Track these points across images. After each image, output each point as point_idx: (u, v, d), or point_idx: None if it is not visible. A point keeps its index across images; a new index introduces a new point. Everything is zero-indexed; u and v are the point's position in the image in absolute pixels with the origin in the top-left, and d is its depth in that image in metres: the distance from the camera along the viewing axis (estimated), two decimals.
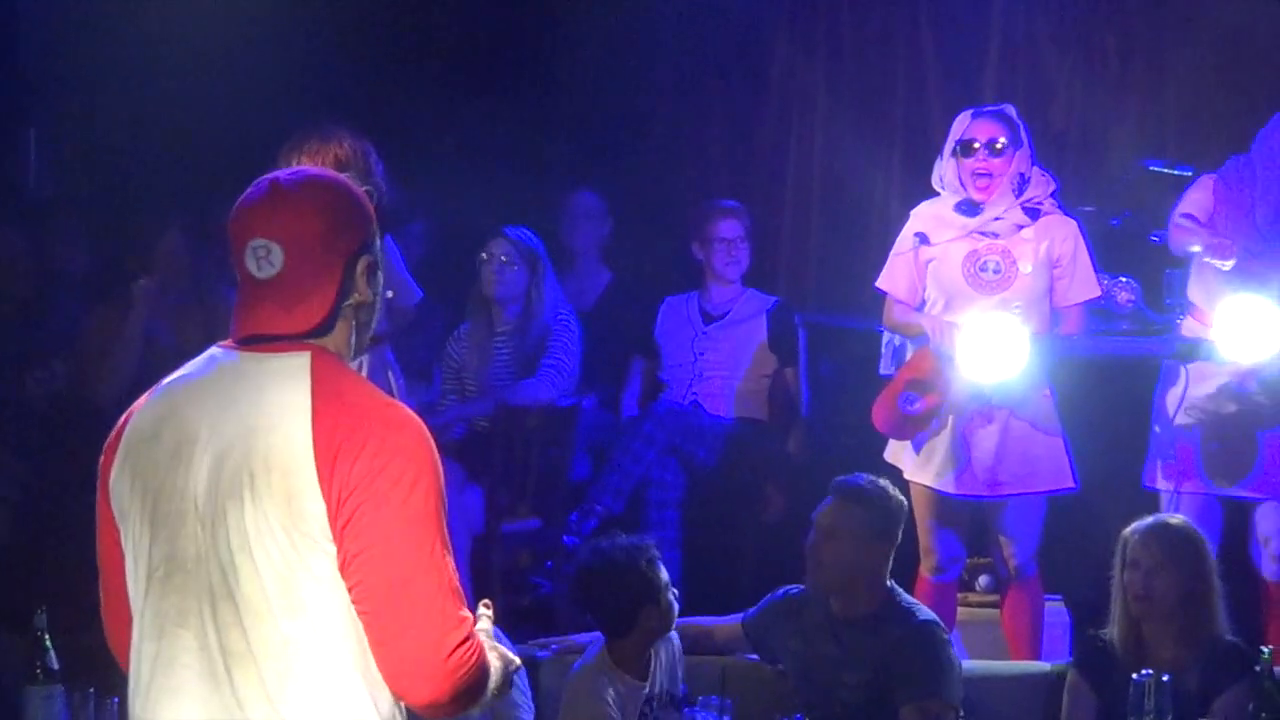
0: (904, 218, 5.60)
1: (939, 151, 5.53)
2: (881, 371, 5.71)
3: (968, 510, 5.52)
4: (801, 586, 4.85)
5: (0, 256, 6.30)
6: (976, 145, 5.38)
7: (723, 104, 7.74)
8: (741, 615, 4.98)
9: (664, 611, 4.58)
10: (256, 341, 2.63)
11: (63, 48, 7.32)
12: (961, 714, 4.65)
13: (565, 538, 6.20)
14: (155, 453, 2.62)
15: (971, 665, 5.10)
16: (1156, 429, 5.59)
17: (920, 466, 5.49)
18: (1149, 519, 4.81)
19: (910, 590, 5.00)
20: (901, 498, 4.79)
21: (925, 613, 4.72)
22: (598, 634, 4.69)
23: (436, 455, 2.59)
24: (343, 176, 2.81)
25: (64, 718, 4.33)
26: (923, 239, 5.48)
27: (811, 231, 7.57)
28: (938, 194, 5.53)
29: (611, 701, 4.52)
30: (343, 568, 2.53)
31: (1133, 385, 5.67)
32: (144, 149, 7.08)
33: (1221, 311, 5.25)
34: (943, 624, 4.77)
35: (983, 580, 6.02)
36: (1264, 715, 4.22)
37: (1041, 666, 5.15)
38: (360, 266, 2.67)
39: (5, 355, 6.14)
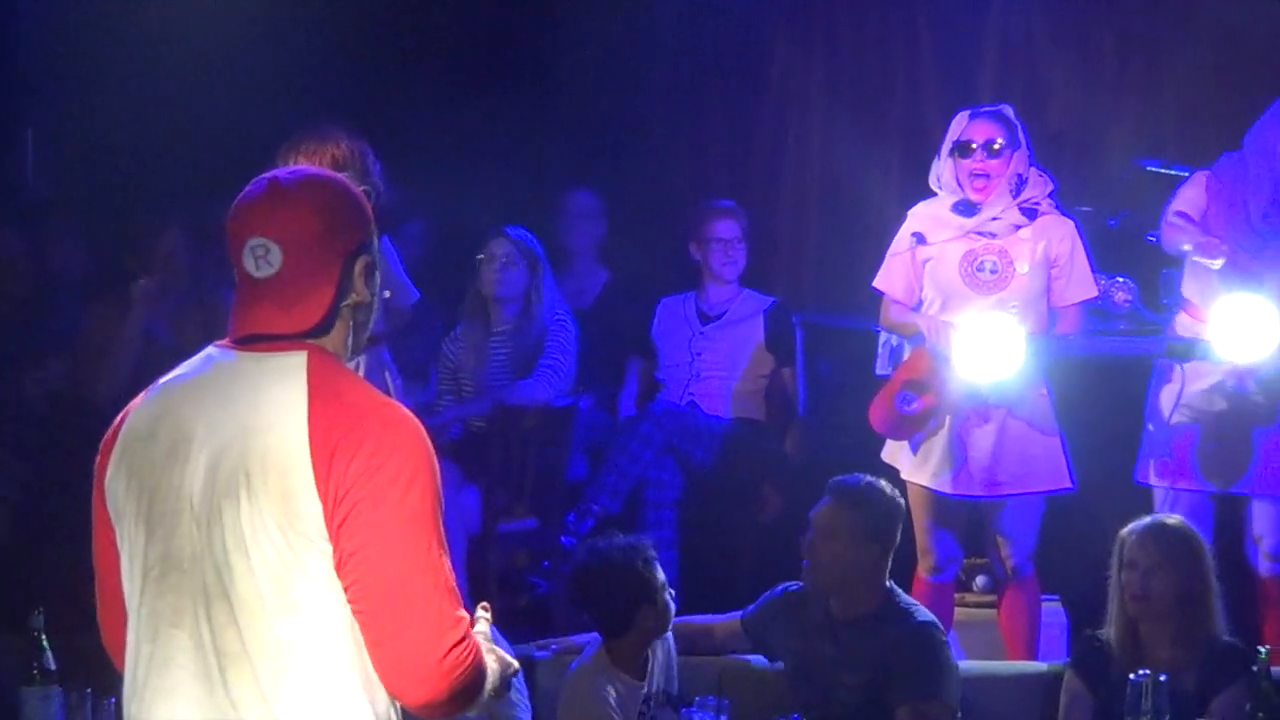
0: (901, 218, 5.59)
1: (936, 152, 5.53)
2: (878, 372, 5.71)
3: (965, 510, 5.52)
4: (801, 584, 4.86)
5: None
6: (974, 146, 5.38)
7: (720, 104, 7.75)
8: (741, 613, 4.98)
9: (661, 612, 4.59)
10: (254, 341, 2.63)
11: (61, 48, 7.32)
12: (959, 715, 4.66)
13: (562, 538, 6.20)
14: (151, 452, 2.62)
15: (969, 665, 5.10)
16: (1150, 427, 5.59)
17: (917, 467, 5.49)
18: (1146, 519, 4.82)
19: (907, 591, 5.00)
20: (899, 499, 4.79)
21: (924, 614, 4.71)
22: (595, 634, 4.70)
23: (433, 455, 2.59)
24: (341, 176, 2.81)
25: (61, 718, 4.35)
26: (920, 239, 5.48)
27: (809, 232, 7.58)
28: (935, 194, 5.53)
29: (612, 702, 4.52)
30: (339, 567, 2.53)
31: (1130, 385, 5.67)
32: (142, 149, 7.07)
33: (1217, 311, 5.26)
34: (941, 625, 4.77)
35: (980, 580, 6.02)
36: (1261, 715, 4.25)
37: (1038, 667, 5.16)
38: (358, 266, 2.66)
39: (3, 355, 6.15)
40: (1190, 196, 5.49)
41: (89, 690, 4.31)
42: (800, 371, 6.74)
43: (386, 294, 3.91)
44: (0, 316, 6.24)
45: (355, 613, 2.54)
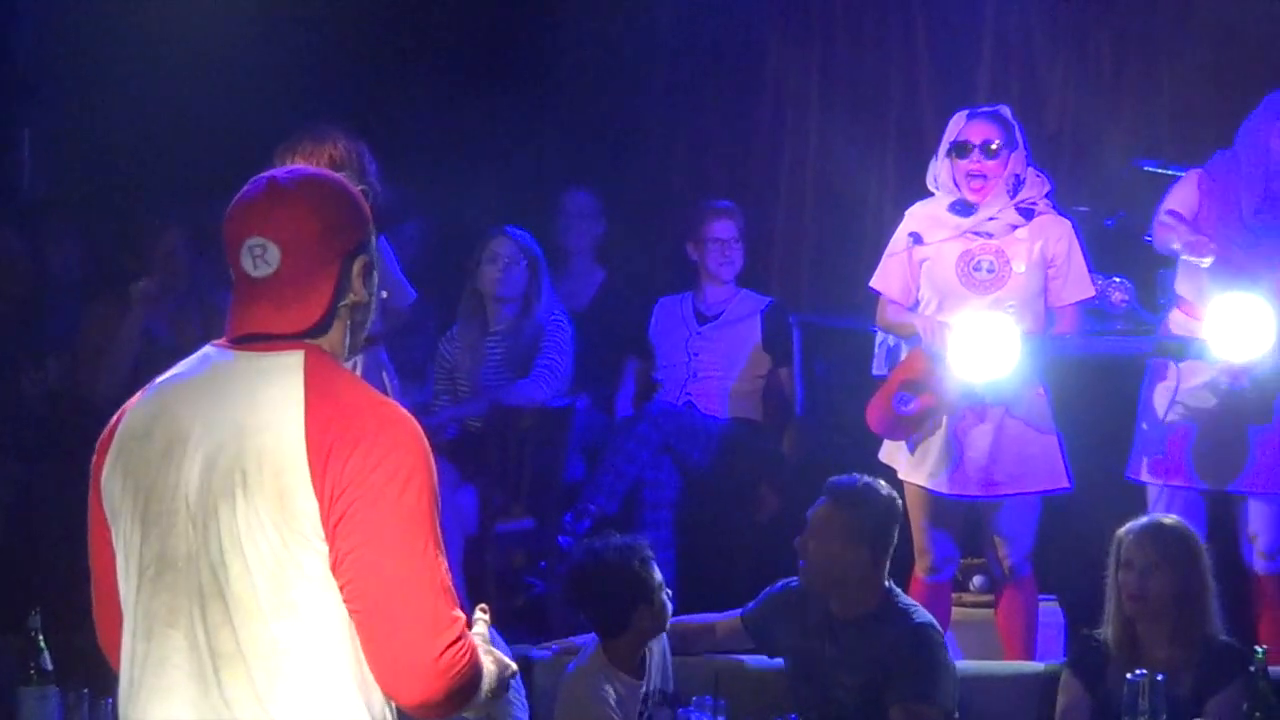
0: (898, 218, 5.60)
1: (933, 152, 5.53)
2: (874, 372, 5.71)
3: (962, 510, 5.53)
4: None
5: None
6: (971, 146, 5.38)
7: (718, 104, 7.75)
8: (741, 610, 4.98)
9: (657, 612, 4.58)
10: (251, 340, 2.63)
11: (58, 48, 7.32)
12: (957, 717, 4.66)
13: (559, 538, 6.20)
14: (147, 451, 2.62)
15: (966, 665, 5.10)
16: (1144, 425, 5.59)
17: (914, 467, 5.49)
18: (1143, 519, 4.83)
19: (905, 590, 5.00)
20: (896, 500, 4.77)
21: (923, 615, 4.70)
22: (592, 635, 4.70)
23: (430, 454, 2.59)
24: (339, 176, 2.80)
25: (58, 718, 4.35)
26: (916, 239, 5.48)
27: (806, 232, 7.59)
28: (932, 194, 5.54)
29: (612, 702, 4.52)
30: (334, 566, 2.53)
31: (1128, 385, 5.67)
32: (141, 149, 7.07)
33: (1213, 310, 5.26)
34: (939, 627, 4.77)
35: (977, 580, 6.02)
36: (1258, 715, 4.25)
37: (1035, 666, 5.16)
38: (356, 266, 2.66)
39: (2, 356, 6.16)
40: (1183, 195, 5.51)
41: (86, 690, 4.30)
42: (797, 371, 6.74)
43: (384, 294, 3.91)
44: None
45: (351, 612, 2.54)
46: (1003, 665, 5.33)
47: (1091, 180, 6.66)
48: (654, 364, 6.86)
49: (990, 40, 7.25)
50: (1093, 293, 5.51)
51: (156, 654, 2.59)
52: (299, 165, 3.71)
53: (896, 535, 4.75)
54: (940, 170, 5.48)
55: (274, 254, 2.60)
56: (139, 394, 2.71)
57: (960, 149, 5.40)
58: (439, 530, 2.58)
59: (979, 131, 5.38)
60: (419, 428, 2.60)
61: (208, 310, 5.75)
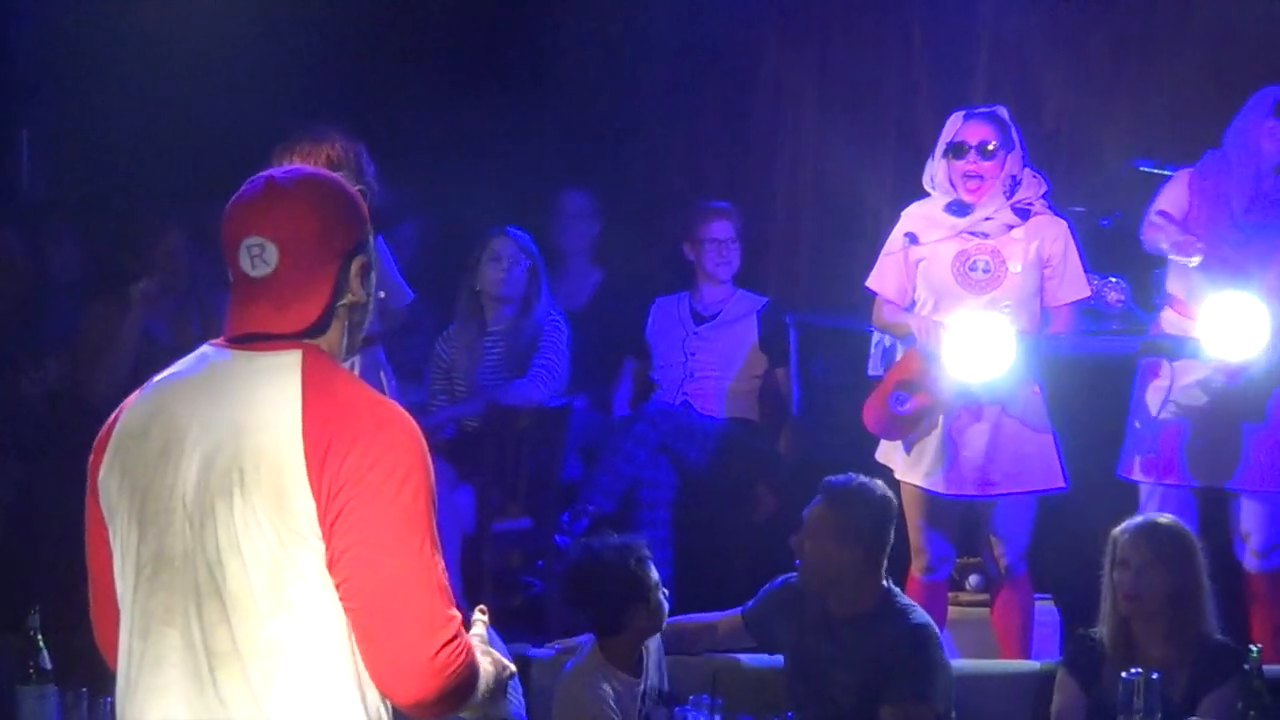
0: (895, 218, 5.60)
1: (930, 152, 5.54)
2: (870, 372, 5.72)
3: (958, 510, 5.53)
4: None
5: None
6: (968, 147, 5.38)
7: (715, 105, 7.76)
8: (741, 608, 4.99)
9: (653, 611, 4.59)
10: (249, 340, 2.63)
11: (57, 49, 7.32)
12: (954, 717, 4.66)
13: (557, 537, 6.21)
14: (144, 451, 2.62)
15: (962, 664, 5.12)
16: (1137, 424, 5.59)
17: (910, 466, 5.50)
18: (1139, 518, 4.84)
19: (902, 590, 5.01)
20: (890, 500, 4.77)
21: (920, 615, 4.71)
22: (590, 634, 4.71)
23: (427, 453, 2.59)
24: (337, 176, 2.80)
25: (57, 717, 4.35)
26: (912, 239, 5.49)
27: (802, 232, 7.60)
28: (928, 195, 5.54)
29: (611, 701, 4.52)
30: (331, 564, 2.52)
31: (1123, 384, 5.67)
32: (140, 149, 7.06)
33: (1206, 309, 5.27)
34: (936, 628, 4.77)
35: (973, 579, 6.01)
36: (1252, 713, 4.25)
37: (1031, 665, 5.18)
38: (355, 266, 2.66)
39: (1, 356, 6.15)
40: (1173, 196, 5.52)
41: (85, 689, 4.31)
42: (794, 371, 6.74)
43: (381, 294, 3.93)
44: None
45: (347, 610, 2.54)
46: (998, 664, 5.34)
47: (1088, 180, 6.66)
48: (651, 364, 6.88)
49: (987, 41, 7.26)
50: (1089, 293, 5.52)
51: (153, 653, 2.59)
52: (297, 165, 3.72)
53: (892, 535, 4.75)
54: (937, 171, 5.48)
55: (272, 254, 2.60)
56: (137, 393, 2.71)
57: (957, 150, 5.41)
58: (436, 529, 2.57)
59: (976, 132, 5.39)
60: (417, 427, 2.60)
61: (207, 311, 5.75)
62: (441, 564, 2.57)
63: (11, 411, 6.08)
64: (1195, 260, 5.36)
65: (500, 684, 2.75)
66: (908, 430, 5.47)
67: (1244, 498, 5.51)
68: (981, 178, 5.38)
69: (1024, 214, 5.43)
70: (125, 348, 5.95)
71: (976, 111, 5.48)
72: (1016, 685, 5.02)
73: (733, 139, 7.71)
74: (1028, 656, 5.47)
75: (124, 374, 5.77)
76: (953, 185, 5.43)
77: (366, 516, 2.51)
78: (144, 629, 2.60)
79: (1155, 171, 5.84)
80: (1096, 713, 4.53)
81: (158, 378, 2.70)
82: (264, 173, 2.70)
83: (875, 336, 5.72)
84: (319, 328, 2.63)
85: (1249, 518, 5.51)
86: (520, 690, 4.67)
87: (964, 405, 5.40)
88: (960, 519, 5.58)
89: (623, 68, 7.70)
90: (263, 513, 2.52)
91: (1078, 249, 5.47)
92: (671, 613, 4.77)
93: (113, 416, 2.70)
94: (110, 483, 2.65)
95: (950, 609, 5.75)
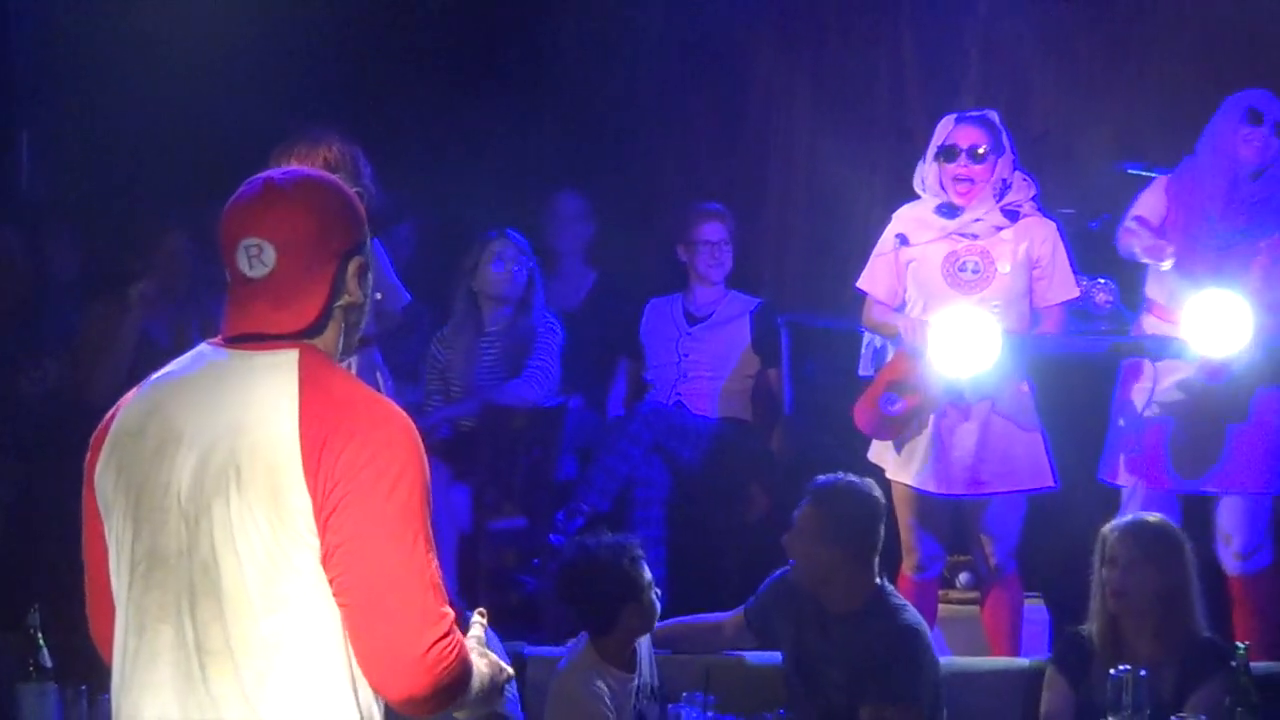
0: (886, 220, 5.63)
1: (921, 154, 5.57)
2: (860, 373, 5.74)
3: (948, 509, 5.56)
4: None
5: None
6: (959, 151, 5.42)
7: (708, 107, 7.76)
8: (743, 606, 5.01)
9: (646, 610, 4.61)
10: (246, 340, 2.64)
11: (57, 49, 7.32)
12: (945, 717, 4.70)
13: (551, 536, 6.21)
14: (140, 448, 2.63)
15: (952, 661, 5.16)
16: (1121, 421, 5.60)
17: (901, 466, 5.53)
18: (1129, 517, 4.88)
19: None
20: (876, 499, 4.77)
21: (909, 616, 4.71)
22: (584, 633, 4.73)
23: (423, 451, 2.59)
24: (335, 177, 2.80)
25: (57, 714, 4.38)
26: (903, 240, 5.52)
27: (795, 233, 7.59)
28: (919, 196, 5.57)
29: (606, 698, 4.54)
30: (325, 560, 2.53)
31: (1111, 385, 5.70)
32: (139, 150, 7.07)
33: (1190, 306, 5.28)
34: (926, 629, 4.77)
35: (963, 577, 6.04)
36: (1239, 710, 4.26)
37: (1021, 662, 5.21)
38: (352, 267, 2.67)
39: (1, 355, 6.17)
40: (1151, 202, 5.54)
41: (84, 687, 4.34)
42: (786, 372, 6.75)
43: (378, 296, 3.96)
44: None
45: (340, 605, 2.54)
46: (988, 661, 5.37)
47: (1077, 182, 6.65)
48: (645, 364, 6.89)
49: (977, 43, 7.25)
50: (1077, 293, 5.54)
51: (148, 650, 2.60)
52: (295, 167, 3.73)
53: (881, 534, 4.76)
54: (928, 173, 5.52)
55: (270, 254, 2.61)
56: (133, 391, 2.72)
57: (948, 153, 5.44)
58: (430, 527, 2.58)
59: (967, 136, 5.42)
60: (412, 425, 2.61)
61: (206, 315, 5.76)
62: (435, 561, 2.57)
63: (11, 411, 6.08)
64: (1167, 264, 5.39)
65: (496, 686, 2.75)
66: (898, 430, 5.50)
67: (1225, 499, 5.52)
68: (972, 181, 5.41)
69: (1013, 216, 5.46)
70: (123, 349, 5.95)
71: (968, 115, 5.52)
72: (1006, 682, 5.05)
73: (726, 141, 7.71)
74: (1017, 654, 5.50)
75: (122, 375, 5.76)
76: (943, 188, 5.46)
77: (361, 512, 2.51)
78: (139, 626, 2.61)
79: (1143, 174, 5.85)
80: (1085, 709, 4.55)
81: (154, 376, 2.71)
82: (262, 174, 2.70)
83: (866, 337, 5.75)
84: (316, 328, 2.64)
85: (1230, 519, 5.52)
86: (514, 687, 4.68)
87: (953, 404, 5.42)
88: (951, 518, 5.60)
89: (617, 70, 7.70)
90: (258, 510, 2.52)
91: (1067, 250, 5.49)
92: (664, 612, 4.79)
93: (109, 414, 2.72)
94: (106, 480, 2.66)
95: (941, 607, 5.79)
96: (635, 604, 4.58)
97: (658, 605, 4.66)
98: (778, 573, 4.93)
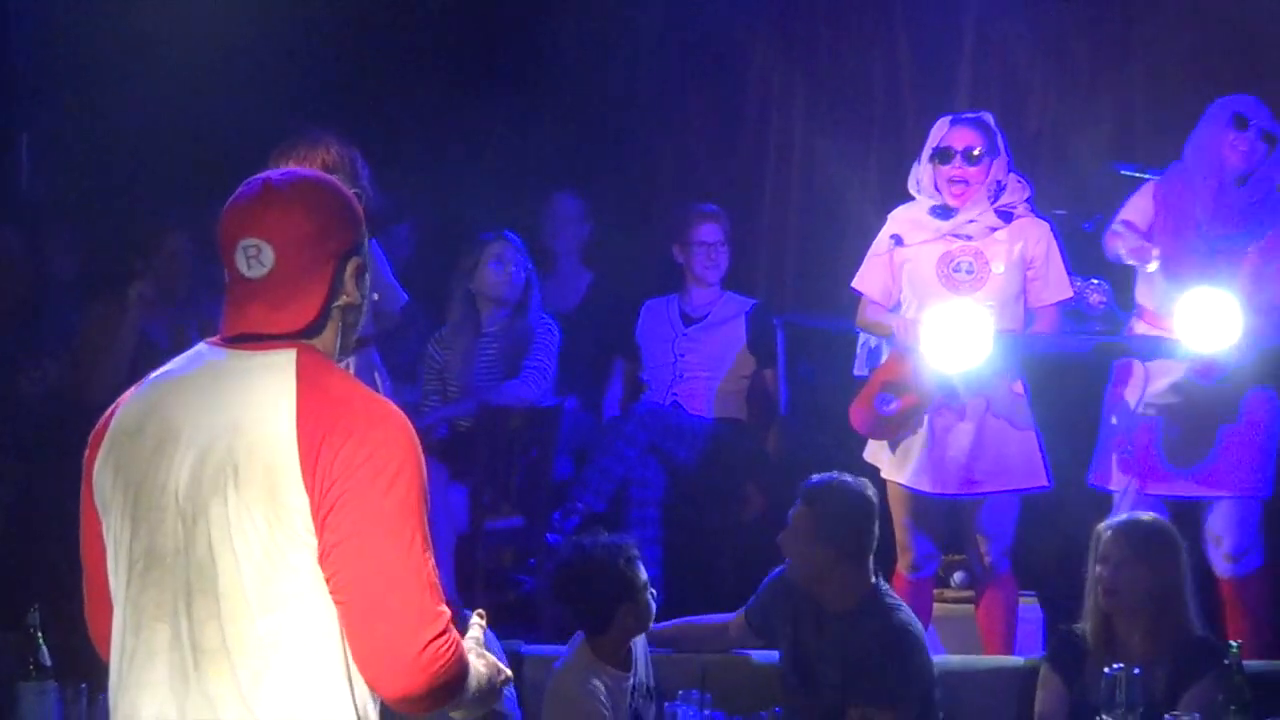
0: (881, 221, 5.64)
1: (915, 155, 5.58)
2: (855, 373, 5.76)
3: (943, 509, 5.57)
4: None
5: None
6: (953, 153, 5.43)
7: (703, 109, 7.78)
8: (744, 607, 5.02)
9: (641, 610, 4.62)
10: (244, 340, 2.64)
11: (56, 50, 7.33)
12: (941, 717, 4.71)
13: (548, 535, 6.24)
14: (138, 447, 2.63)
15: (947, 660, 5.17)
16: (1114, 419, 5.60)
17: (896, 466, 5.54)
18: (1123, 515, 4.89)
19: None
20: (868, 498, 4.76)
21: (902, 616, 4.71)
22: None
23: (420, 450, 2.59)
24: (333, 178, 2.80)
25: (57, 713, 4.38)
26: (898, 241, 5.53)
27: (790, 234, 7.61)
28: (914, 198, 5.58)
29: (602, 696, 4.55)
30: (322, 558, 2.53)
31: (1104, 384, 5.71)
32: (139, 151, 7.08)
33: (1183, 304, 5.28)
34: (918, 630, 4.76)
35: (958, 576, 6.04)
36: (1233, 708, 4.28)
37: (1015, 661, 5.22)
38: (350, 268, 2.68)
39: (0, 355, 6.18)
40: (1139, 207, 5.55)
41: (84, 686, 4.34)
42: (781, 372, 6.77)
43: (375, 296, 3.97)
44: None
45: (337, 603, 2.55)
46: (983, 660, 5.39)
47: (1071, 183, 6.68)
48: (641, 365, 6.91)
49: (971, 45, 7.28)
50: (1071, 294, 5.55)
51: (144, 648, 2.61)
52: (293, 168, 3.74)
53: (875, 533, 4.76)
54: (923, 175, 5.52)
55: (268, 255, 2.61)
56: (132, 389, 2.73)
57: (943, 155, 5.45)
58: (427, 526, 2.58)
59: (962, 138, 5.43)
60: (409, 424, 2.60)
61: (204, 316, 5.76)
62: (432, 560, 2.58)
63: (11, 411, 6.08)
64: (1153, 265, 5.40)
65: (494, 687, 2.75)
66: (893, 430, 5.52)
67: (1216, 501, 5.52)
68: (967, 183, 5.42)
69: (1007, 217, 5.47)
70: (122, 349, 5.95)
71: (963, 117, 5.53)
72: (1000, 681, 5.07)
73: (723, 142, 7.72)
74: (1011, 652, 5.51)
75: (122, 375, 5.75)
76: (938, 189, 5.47)
77: (358, 511, 2.52)
78: (135, 625, 2.62)
79: (1137, 175, 5.86)
80: (1079, 707, 4.56)
81: (153, 375, 2.72)
82: (260, 175, 2.70)
83: (861, 338, 5.76)
84: (314, 329, 2.65)
85: (1220, 521, 5.52)
86: (513, 687, 4.69)
87: (948, 404, 5.43)
88: (945, 517, 5.61)
89: (614, 72, 7.72)
90: (256, 509, 2.53)
91: (1060, 251, 5.51)
92: (661, 611, 4.81)
93: (108, 412, 2.72)
94: (104, 478, 2.66)
95: (935, 606, 5.80)
96: (631, 604, 4.60)
97: (653, 605, 4.67)
98: (775, 571, 4.94)
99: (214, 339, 2.70)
